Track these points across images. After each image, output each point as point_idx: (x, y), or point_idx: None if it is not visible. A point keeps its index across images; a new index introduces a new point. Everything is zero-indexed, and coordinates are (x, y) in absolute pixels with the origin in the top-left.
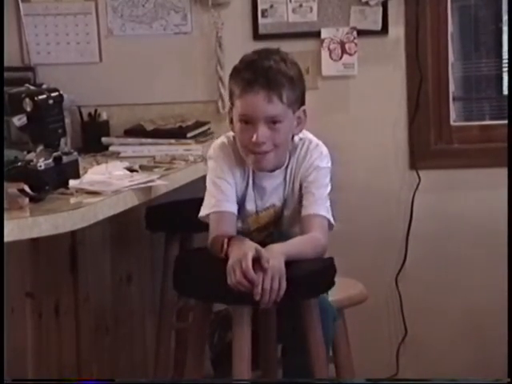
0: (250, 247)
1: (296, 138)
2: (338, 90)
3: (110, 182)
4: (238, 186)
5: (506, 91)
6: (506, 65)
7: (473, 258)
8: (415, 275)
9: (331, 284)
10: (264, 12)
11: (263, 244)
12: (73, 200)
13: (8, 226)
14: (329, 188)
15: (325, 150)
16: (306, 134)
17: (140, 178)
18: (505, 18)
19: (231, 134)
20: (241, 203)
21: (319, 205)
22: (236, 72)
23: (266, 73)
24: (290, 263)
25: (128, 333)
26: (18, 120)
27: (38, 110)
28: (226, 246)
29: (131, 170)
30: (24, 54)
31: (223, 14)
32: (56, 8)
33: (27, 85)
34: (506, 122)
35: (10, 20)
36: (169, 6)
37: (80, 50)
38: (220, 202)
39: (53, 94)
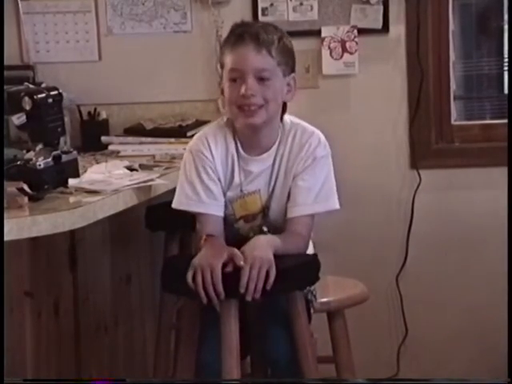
0: (221, 252)
1: (287, 121)
2: (338, 88)
3: (109, 181)
4: (223, 170)
5: (506, 90)
6: (507, 64)
7: (473, 258)
8: (416, 275)
9: (316, 278)
10: (264, 10)
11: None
12: (72, 199)
13: (7, 225)
14: (331, 174)
15: (321, 136)
16: (297, 120)
17: (140, 177)
18: (505, 17)
19: (214, 123)
20: (226, 187)
21: (308, 204)
22: (228, 34)
23: (257, 29)
24: (275, 257)
25: (127, 332)
26: (17, 119)
27: (37, 108)
28: (202, 241)
29: (131, 169)
30: (23, 52)
31: (223, 12)
32: (55, 6)
33: (26, 83)
34: (506, 121)
35: (9, 18)
36: (169, 4)
37: (79, 49)
38: (209, 205)
39: (52, 93)
